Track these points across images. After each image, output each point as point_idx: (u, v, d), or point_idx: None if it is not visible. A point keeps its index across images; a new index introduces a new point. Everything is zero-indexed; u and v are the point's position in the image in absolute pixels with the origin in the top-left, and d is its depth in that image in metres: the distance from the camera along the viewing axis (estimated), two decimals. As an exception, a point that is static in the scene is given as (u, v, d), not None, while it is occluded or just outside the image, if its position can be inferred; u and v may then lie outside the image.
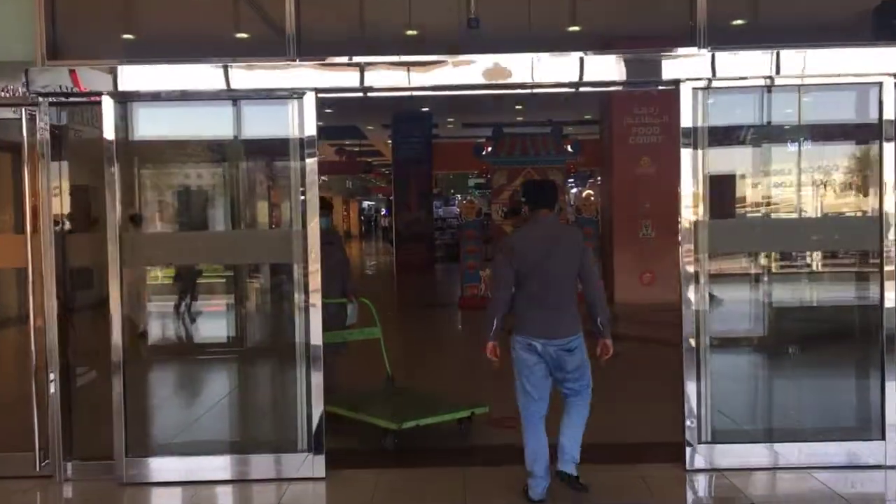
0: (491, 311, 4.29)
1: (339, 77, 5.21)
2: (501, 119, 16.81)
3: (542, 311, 4.24)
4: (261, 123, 5.44)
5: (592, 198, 13.53)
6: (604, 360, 4.36)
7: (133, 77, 5.11)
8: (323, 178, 35.78)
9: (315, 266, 5.09)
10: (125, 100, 5.19)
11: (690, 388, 5.19)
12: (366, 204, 50.60)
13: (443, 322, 12.24)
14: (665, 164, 12.54)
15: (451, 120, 22.03)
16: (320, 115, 5.15)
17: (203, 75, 5.11)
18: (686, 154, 5.20)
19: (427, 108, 19.90)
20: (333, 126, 22.59)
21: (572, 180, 35.16)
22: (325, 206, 6.15)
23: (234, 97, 5.22)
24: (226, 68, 5.09)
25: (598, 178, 15.41)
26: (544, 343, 4.25)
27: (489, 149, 13.68)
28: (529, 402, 4.38)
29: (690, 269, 5.19)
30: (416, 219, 20.74)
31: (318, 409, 5.12)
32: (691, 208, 5.19)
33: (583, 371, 4.39)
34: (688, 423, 5.23)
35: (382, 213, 42.94)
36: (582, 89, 5.30)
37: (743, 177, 5.82)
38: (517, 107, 19.48)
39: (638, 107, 12.83)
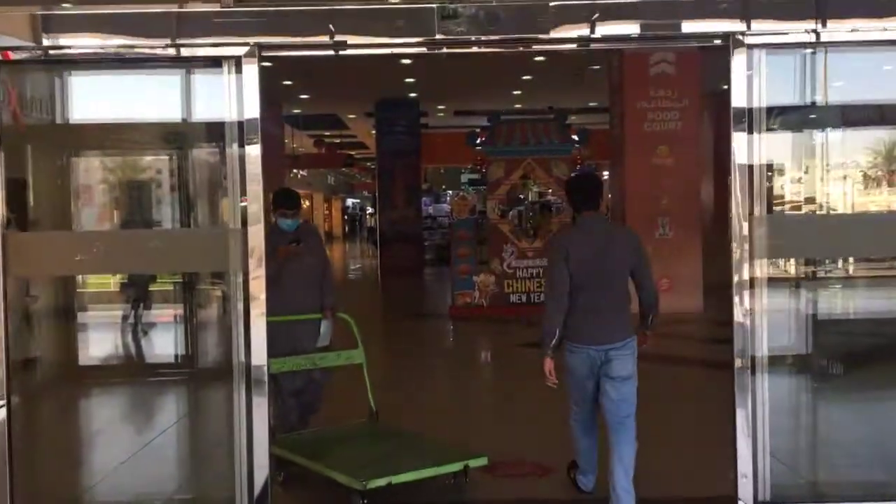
0: (549, 321, 4.27)
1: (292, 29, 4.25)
2: (497, 106, 15.90)
3: (597, 317, 4.29)
4: (184, 98, 4.47)
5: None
6: (640, 347, 4.48)
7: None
8: (301, 172, 35.52)
9: (258, 273, 4.16)
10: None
11: (742, 426, 4.26)
12: (350, 202, 49.69)
13: (432, 336, 11.32)
14: (685, 153, 11.77)
15: (442, 107, 21.21)
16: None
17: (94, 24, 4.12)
18: (740, 135, 4.26)
19: (414, 94, 18.99)
20: (310, 114, 21.86)
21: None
22: (291, 203, 5.35)
23: (142, 59, 4.23)
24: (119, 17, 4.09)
25: (608, 172, 14.39)
26: (597, 349, 4.30)
27: (484, 137, 12.72)
28: (580, 410, 4.56)
29: (744, 275, 4.24)
30: (402, 217, 19.91)
31: (261, 456, 4.18)
32: (744, 201, 4.24)
33: (629, 388, 4.35)
34: (740, 476, 4.29)
35: (368, 212, 42.03)
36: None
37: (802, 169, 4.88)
38: (514, 92, 18.72)
39: (654, 88, 11.98)
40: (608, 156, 14.05)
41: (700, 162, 12.32)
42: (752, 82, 4.24)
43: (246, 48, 4.19)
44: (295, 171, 32.29)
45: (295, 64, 14.84)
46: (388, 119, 19.73)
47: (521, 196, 22.47)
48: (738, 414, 4.31)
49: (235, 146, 4.28)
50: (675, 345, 9.76)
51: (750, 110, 4.27)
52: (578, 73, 15.06)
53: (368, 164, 29.53)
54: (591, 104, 19.98)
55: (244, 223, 4.26)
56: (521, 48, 4.55)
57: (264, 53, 4.28)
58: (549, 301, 4.33)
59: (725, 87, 4.34)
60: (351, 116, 22.69)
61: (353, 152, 27.51)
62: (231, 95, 4.23)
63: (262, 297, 4.22)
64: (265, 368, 4.18)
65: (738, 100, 4.26)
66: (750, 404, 4.29)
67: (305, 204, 39.90)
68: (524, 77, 16.76)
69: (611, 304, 4.33)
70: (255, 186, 4.30)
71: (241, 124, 4.27)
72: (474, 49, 4.38)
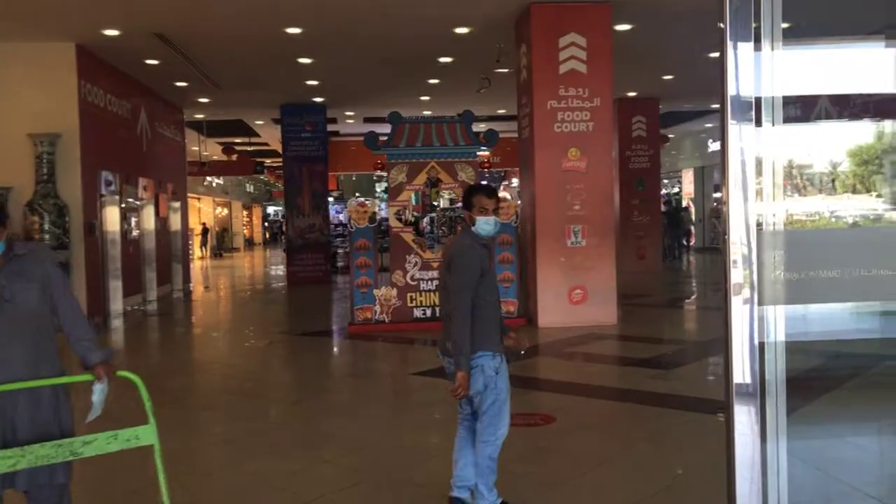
0: (462, 328, 3.57)
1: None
2: (407, 112, 14.33)
3: (498, 321, 3.79)
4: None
5: (510, 199, 10.85)
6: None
7: None
8: (215, 180, 33.18)
9: None
10: None
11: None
12: (271, 210, 47.27)
13: (324, 361, 9.35)
14: (598, 156, 10.18)
15: (351, 114, 19.51)
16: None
17: None
18: (746, 127, 2.47)
19: (321, 99, 17.20)
20: (217, 120, 19.82)
21: (491, 181, 33.56)
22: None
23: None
24: None
25: (518, 179, 12.77)
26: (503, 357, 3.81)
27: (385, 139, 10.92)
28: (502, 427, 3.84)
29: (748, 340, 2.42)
30: (309, 225, 18.09)
31: None
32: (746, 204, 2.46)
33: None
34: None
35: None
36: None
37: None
38: (423, 98, 17.10)
39: (564, 86, 10.36)
40: (516, 164, 12.51)
41: (612, 166, 10.80)
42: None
43: None
44: (209, 179, 30.14)
45: (188, 66, 12.89)
46: (294, 124, 18.03)
47: (434, 203, 21.21)
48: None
49: None
50: (598, 371, 8.09)
51: (758, 99, 2.49)
52: (485, 77, 13.53)
53: (280, 171, 27.41)
54: (500, 111, 18.87)
55: None
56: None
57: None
58: (460, 303, 3.61)
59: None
60: (259, 122, 21.03)
61: (265, 160, 25.40)
62: None
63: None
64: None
65: (743, 84, 2.46)
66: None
67: (222, 212, 37.55)
68: (431, 81, 15.20)
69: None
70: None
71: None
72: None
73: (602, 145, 10.43)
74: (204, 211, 34.82)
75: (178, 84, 15.00)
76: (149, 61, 13.01)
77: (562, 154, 10.36)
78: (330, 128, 20.59)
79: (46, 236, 11.01)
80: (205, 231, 32.44)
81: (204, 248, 32.16)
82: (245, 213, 42.61)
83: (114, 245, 13.11)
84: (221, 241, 35.41)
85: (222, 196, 35.72)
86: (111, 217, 13.00)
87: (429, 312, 10.68)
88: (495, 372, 3.68)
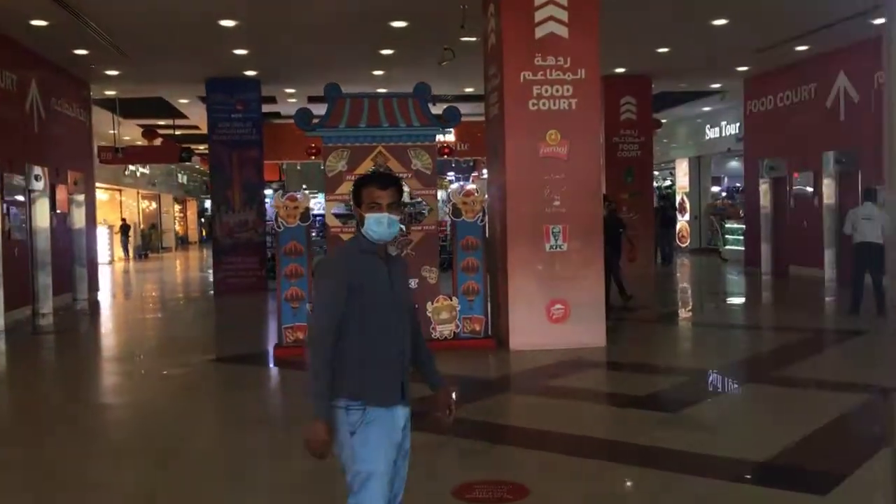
0: (318, 365, 3.11)
1: None
2: (361, 89, 13.31)
3: (390, 361, 3.24)
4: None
5: (476, 194, 9.84)
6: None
7: None
8: (139, 169, 31.93)
9: None
10: None
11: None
12: (209, 204, 45.86)
13: (232, 399, 8.13)
14: (583, 140, 9.22)
15: (292, 91, 18.47)
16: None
17: None
18: None
19: (253, 72, 16.07)
20: (133, 98, 18.62)
21: (452, 173, 32.72)
22: None
23: None
24: None
25: (486, 168, 11.85)
26: (394, 410, 3.25)
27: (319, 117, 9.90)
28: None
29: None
30: (241, 222, 16.99)
31: None
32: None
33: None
34: None
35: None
36: None
37: None
38: (376, 72, 16.04)
39: (541, 54, 9.40)
40: (484, 153, 11.55)
41: (600, 153, 9.91)
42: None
43: None
44: (130, 167, 28.86)
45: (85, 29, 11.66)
46: (222, 103, 16.95)
47: None
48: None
49: None
50: (583, 413, 7.03)
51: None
52: (448, 48, 12.45)
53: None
54: (468, 90, 18.04)
55: None
56: None
57: None
58: (317, 334, 3.17)
59: None
60: (183, 101, 19.90)
61: (196, 146, 24.28)
62: None
63: None
64: None
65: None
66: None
67: (149, 207, 36.23)
68: (383, 51, 14.15)
69: (402, 343, 3.33)
70: None
71: None
72: None
73: (587, 127, 9.54)
74: (127, 205, 33.55)
75: (77, 52, 13.88)
76: (35, 22, 11.77)
77: (538, 137, 9.49)
78: (269, 108, 19.65)
79: None
80: (125, 228, 31.36)
81: (126, 249, 31.06)
82: (178, 207, 41.29)
83: None
84: (148, 241, 34.33)
85: (149, 188, 34.43)
86: (-13, 213, 12.02)
87: None
88: (351, 432, 3.13)
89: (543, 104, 9.45)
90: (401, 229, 3.61)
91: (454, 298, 9.71)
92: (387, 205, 3.24)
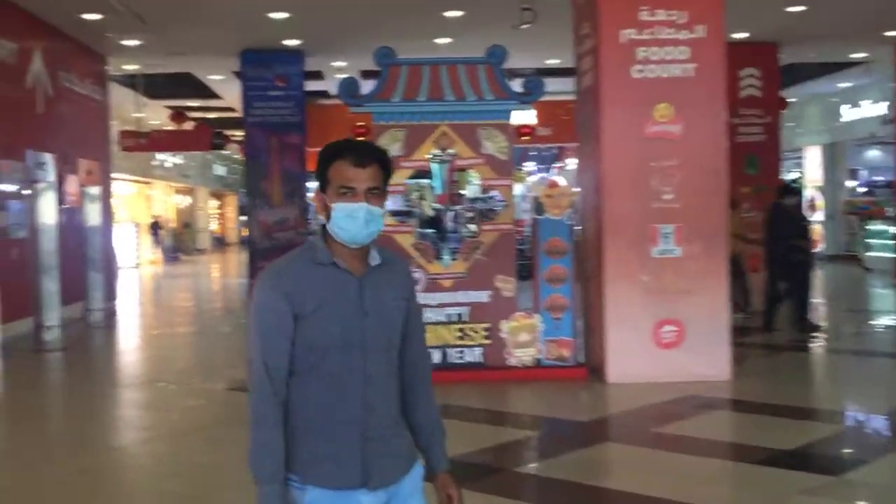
0: (261, 431, 2.79)
1: None
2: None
3: (348, 424, 2.83)
4: None
5: (563, 186, 9.71)
6: None
7: None
8: (167, 159, 32.23)
9: None
10: None
11: None
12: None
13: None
14: (702, 115, 9.00)
15: (341, 65, 18.22)
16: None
17: None
18: None
19: (297, 42, 15.78)
20: (159, 74, 19.05)
21: (533, 162, 32.08)
22: None
23: None
24: None
25: (577, 154, 11.64)
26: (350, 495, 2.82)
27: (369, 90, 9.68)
28: None
29: None
30: (280, 221, 16.88)
31: None
32: None
33: None
34: None
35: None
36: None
37: None
38: (440, 40, 15.60)
39: (649, 8, 9.09)
40: (573, 138, 11.30)
41: (724, 133, 9.47)
42: None
43: None
44: (158, 156, 29.06)
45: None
46: (259, 78, 16.79)
47: (460, 192, 20.23)
48: None
49: None
50: (708, 475, 6.26)
51: None
52: (527, 7, 12.02)
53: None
54: (550, 62, 17.90)
55: None
56: None
57: None
58: (254, 395, 2.78)
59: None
60: (215, 78, 19.91)
61: (232, 132, 24.38)
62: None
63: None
64: None
65: None
66: None
67: (182, 203, 36.56)
68: (448, 13, 13.65)
69: (375, 397, 2.85)
70: None
71: None
72: None
73: (708, 99, 8.97)
74: (158, 200, 34.06)
75: (87, 17, 13.77)
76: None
77: (644, 113, 8.98)
78: (314, 86, 19.35)
79: None
80: (155, 227, 31.87)
81: (161, 250, 31.70)
82: (216, 203, 41.75)
83: None
84: (179, 241, 34.75)
85: (181, 180, 34.92)
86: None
87: (436, 356, 9.12)
88: None
89: (651, 71, 8.94)
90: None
91: (536, 316, 9.27)
92: (364, 190, 2.73)
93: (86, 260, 15.91)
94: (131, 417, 8.87)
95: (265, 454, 2.70)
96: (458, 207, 16.15)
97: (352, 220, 2.71)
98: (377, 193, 2.71)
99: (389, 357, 2.81)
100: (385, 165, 2.79)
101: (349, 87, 9.44)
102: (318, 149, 2.84)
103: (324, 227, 2.79)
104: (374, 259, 2.78)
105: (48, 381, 10.85)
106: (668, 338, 8.91)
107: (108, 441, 7.84)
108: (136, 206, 31.51)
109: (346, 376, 2.75)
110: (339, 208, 2.72)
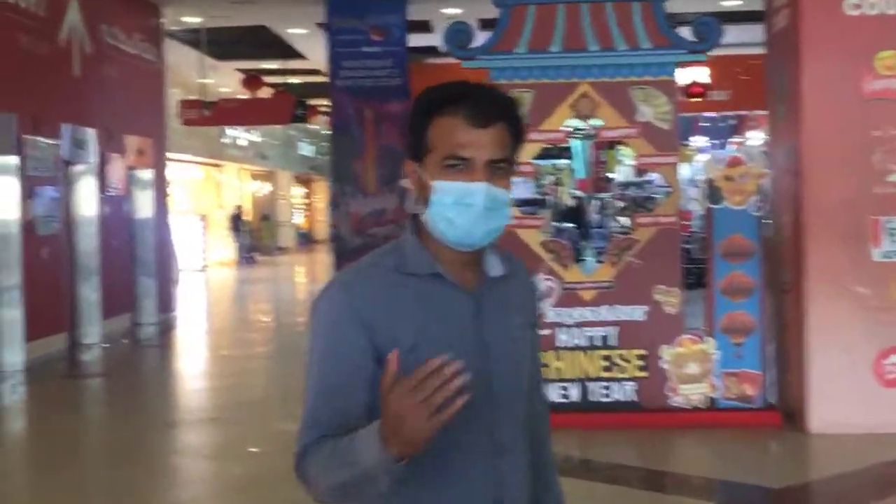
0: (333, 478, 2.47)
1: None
2: None
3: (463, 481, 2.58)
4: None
5: (748, 165, 9.54)
6: None
7: None
8: (238, 135, 32.98)
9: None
10: None
11: None
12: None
13: None
14: None
15: (454, 11, 18.15)
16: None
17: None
18: None
19: None
20: (227, 30, 19.49)
21: (703, 137, 31.40)
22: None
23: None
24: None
25: (767, 125, 11.64)
26: None
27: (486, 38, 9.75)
28: None
29: None
30: (375, 212, 16.92)
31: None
32: None
33: None
34: None
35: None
36: None
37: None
38: None
39: None
40: (758, 93, 11.50)
41: None
42: None
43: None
44: (229, 132, 29.71)
45: None
46: (349, 31, 16.90)
47: (606, 175, 20.18)
48: None
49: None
50: None
51: None
52: None
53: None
54: (727, 3, 18.20)
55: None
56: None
57: None
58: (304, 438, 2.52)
59: None
60: (296, 31, 20.44)
61: (314, 102, 25.31)
62: None
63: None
64: None
65: None
66: None
67: (259, 191, 37.29)
68: None
69: (504, 443, 2.63)
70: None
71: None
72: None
73: None
74: (230, 187, 35.18)
75: None
76: None
77: (861, 64, 8.81)
78: (419, 41, 19.30)
79: None
80: (236, 219, 33.06)
81: (241, 248, 33.17)
82: (302, 190, 42.47)
83: (6, 246, 12.50)
84: (256, 238, 36.01)
85: (259, 162, 35.81)
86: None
87: (574, 393, 9.06)
88: None
89: (872, 5, 8.74)
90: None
91: (709, 340, 9.12)
92: (485, 163, 2.37)
93: (134, 262, 16.31)
94: (180, 467, 8.96)
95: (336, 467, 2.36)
96: (605, 195, 15.75)
97: (464, 210, 2.37)
98: (503, 169, 2.37)
99: (521, 415, 2.54)
100: (516, 124, 2.43)
101: (458, 34, 9.36)
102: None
103: (416, 218, 2.48)
104: (495, 267, 2.47)
105: (83, 418, 11.02)
106: (894, 373, 8.75)
107: (146, 498, 7.94)
108: (204, 195, 32.31)
109: (466, 451, 2.45)
110: (444, 189, 2.37)
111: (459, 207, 2.38)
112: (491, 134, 2.36)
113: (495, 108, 2.41)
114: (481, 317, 2.43)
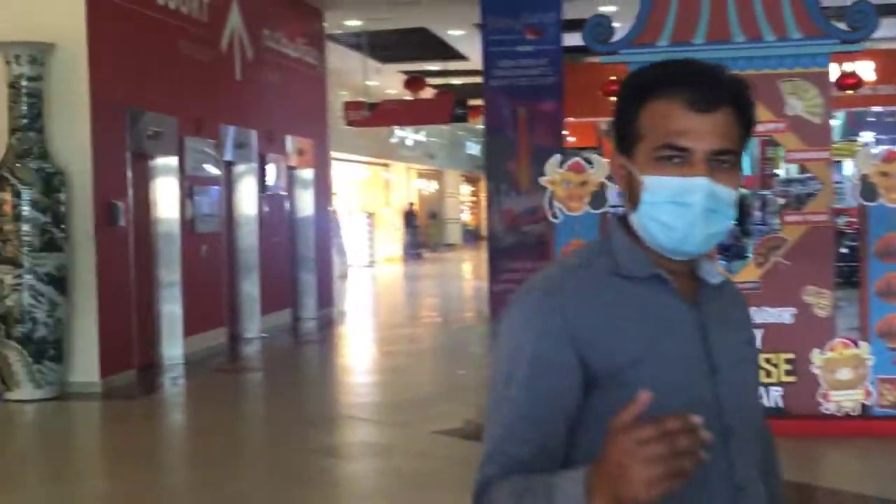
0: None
1: None
2: None
3: None
4: None
5: None
6: None
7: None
8: (406, 135, 33.23)
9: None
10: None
11: None
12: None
13: None
14: None
15: (611, 10, 17.62)
16: None
17: None
18: None
19: None
20: (389, 34, 19.72)
21: (871, 132, 29.92)
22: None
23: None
24: None
25: None
26: None
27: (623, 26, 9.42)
28: None
29: None
30: (529, 210, 16.34)
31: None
32: None
33: None
34: None
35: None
36: None
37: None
38: None
39: None
40: None
41: None
42: None
43: None
44: (398, 133, 30.02)
45: None
46: (503, 30, 16.60)
47: (773, 172, 19.49)
48: None
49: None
50: None
51: None
52: None
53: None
54: None
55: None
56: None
57: None
58: (490, 459, 2.10)
59: None
60: (455, 33, 20.40)
61: (473, 101, 24.84)
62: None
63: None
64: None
65: None
66: None
67: (427, 189, 37.47)
68: None
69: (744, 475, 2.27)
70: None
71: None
72: None
73: None
74: (397, 185, 35.62)
75: None
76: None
77: None
78: (573, 40, 18.68)
79: (25, 227, 10.41)
80: (409, 217, 33.40)
81: (411, 245, 33.47)
82: (469, 188, 42.69)
83: (168, 244, 12.65)
84: (424, 235, 36.36)
85: (426, 161, 36.23)
86: (161, 195, 12.66)
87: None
88: None
89: None
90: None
91: (863, 345, 8.61)
92: (706, 155, 1.99)
93: (295, 258, 16.41)
94: (323, 471, 8.62)
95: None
96: (767, 192, 15.02)
97: (680, 210, 2.01)
98: (729, 162, 2.00)
99: (756, 448, 2.20)
100: (746, 110, 2.05)
101: (597, 28, 9.06)
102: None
103: (621, 218, 2.12)
104: (712, 274, 2.12)
105: (236, 413, 10.97)
106: None
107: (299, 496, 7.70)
108: (372, 193, 32.63)
109: (700, 492, 2.02)
110: (657, 186, 2.01)
111: (675, 207, 2.03)
112: (715, 120, 2.00)
113: (722, 90, 2.03)
114: (706, 331, 2.08)
